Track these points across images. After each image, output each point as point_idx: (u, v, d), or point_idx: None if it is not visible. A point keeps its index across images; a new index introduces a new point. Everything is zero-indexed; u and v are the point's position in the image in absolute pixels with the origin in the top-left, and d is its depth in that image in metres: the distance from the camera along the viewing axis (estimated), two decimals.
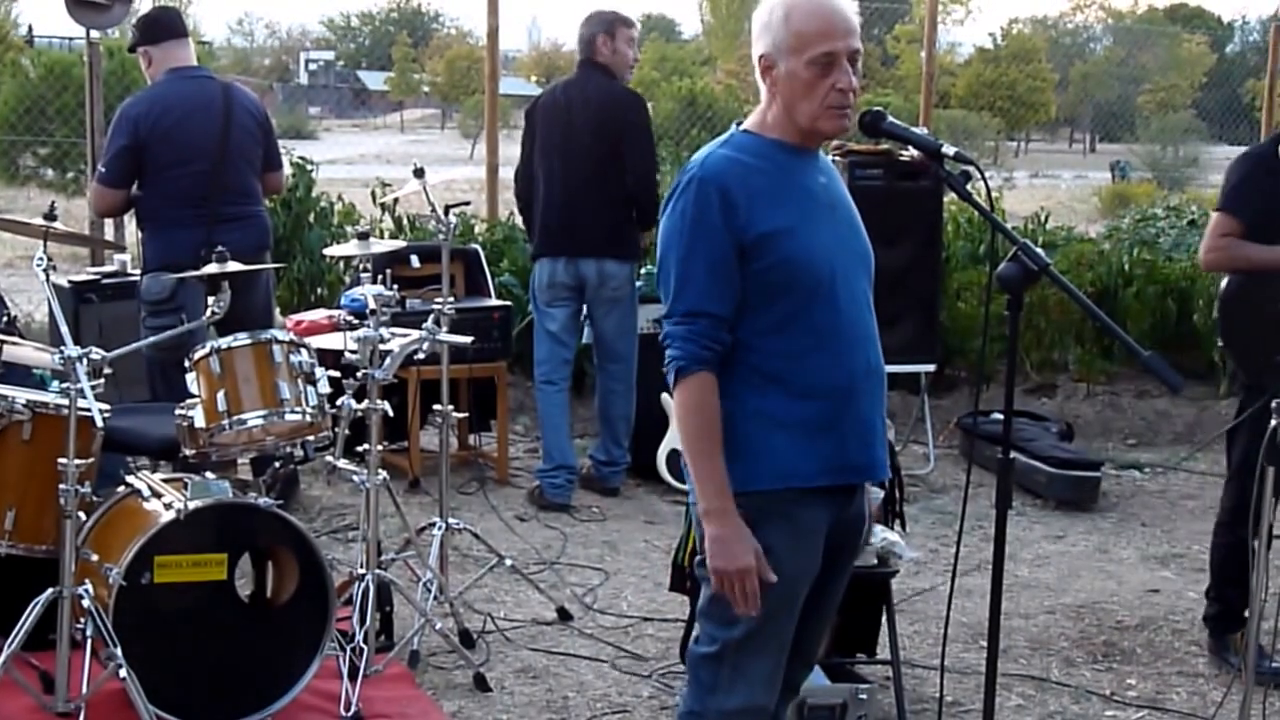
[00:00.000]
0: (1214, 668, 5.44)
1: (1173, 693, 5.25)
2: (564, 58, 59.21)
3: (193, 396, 4.76)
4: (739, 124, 3.40)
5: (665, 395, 7.45)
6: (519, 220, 9.54)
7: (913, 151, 3.46)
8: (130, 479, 4.85)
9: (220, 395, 4.70)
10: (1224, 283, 5.35)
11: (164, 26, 6.41)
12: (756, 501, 3.24)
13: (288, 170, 9.00)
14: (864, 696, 4.72)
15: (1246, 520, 5.28)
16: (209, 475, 4.76)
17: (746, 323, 3.23)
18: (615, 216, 7.16)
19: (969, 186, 3.39)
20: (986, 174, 3.44)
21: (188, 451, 4.82)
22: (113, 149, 6.24)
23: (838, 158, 7.83)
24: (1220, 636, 5.51)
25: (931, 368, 8.28)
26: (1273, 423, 4.43)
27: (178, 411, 4.80)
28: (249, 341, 4.80)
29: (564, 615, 5.73)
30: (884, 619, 4.98)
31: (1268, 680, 5.22)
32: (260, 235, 6.51)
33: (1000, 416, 3.48)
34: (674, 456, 7.29)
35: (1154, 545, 7.08)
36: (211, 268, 4.85)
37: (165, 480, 4.84)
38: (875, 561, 4.83)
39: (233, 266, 4.86)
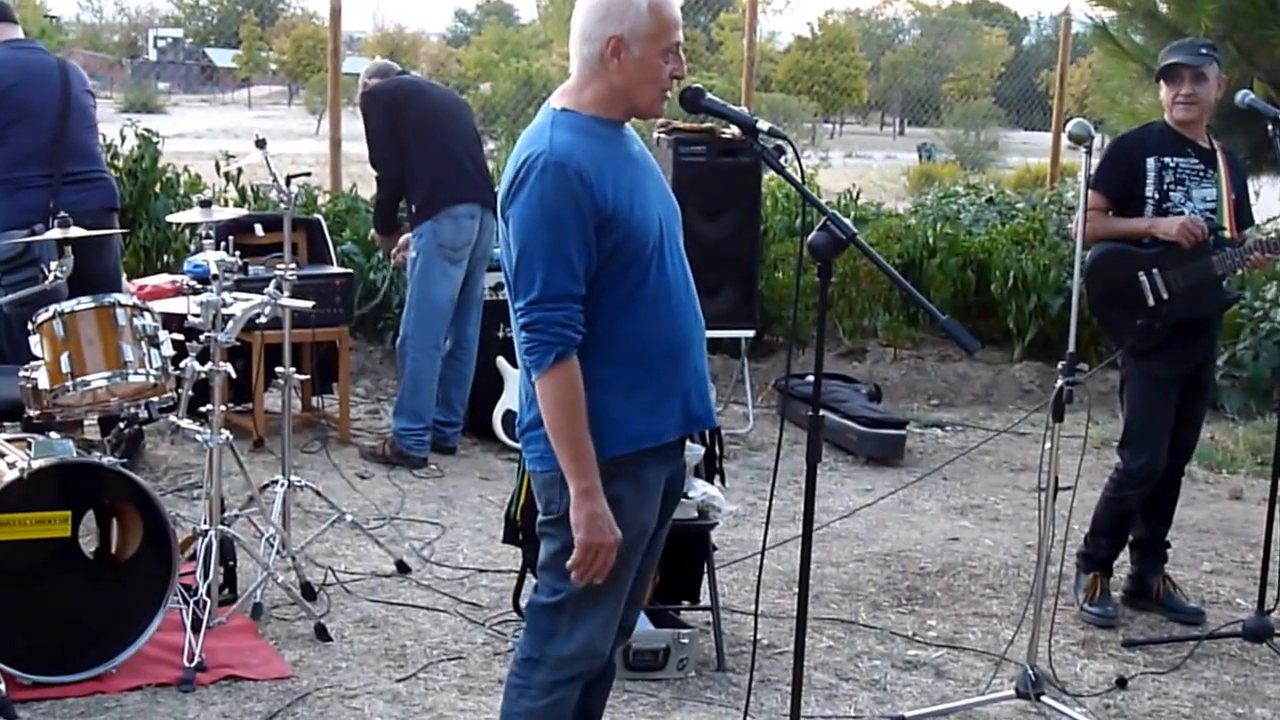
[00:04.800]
0: (1009, 608, 5.56)
1: (969, 632, 5.35)
2: (407, 39, 58.55)
3: (37, 359, 4.61)
4: (550, 104, 3.30)
5: (500, 359, 7.40)
6: (361, 191, 9.44)
7: (734, 129, 3.45)
8: None
9: (64, 357, 4.57)
10: (1089, 254, 5.36)
11: None
12: (609, 467, 3.16)
13: (134, 142, 8.82)
14: (685, 640, 4.75)
15: (1128, 483, 5.40)
16: (53, 435, 4.61)
17: (598, 297, 3.14)
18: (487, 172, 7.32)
19: (784, 161, 3.38)
20: (804, 153, 3.45)
21: (32, 412, 4.68)
22: None
23: (663, 135, 7.81)
24: (1078, 574, 5.61)
25: (751, 333, 8.33)
26: (1059, 383, 4.53)
27: (21, 373, 4.66)
28: (92, 305, 4.67)
29: (402, 568, 5.66)
30: (705, 568, 5.00)
31: (1094, 621, 5.41)
32: (106, 196, 6.39)
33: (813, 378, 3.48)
34: (509, 417, 7.24)
35: (954, 497, 7.22)
36: (58, 231, 4.71)
37: (9, 440, 4.66)
38: (696, 514, 4.84)
39: (76, 231, 4.73)
